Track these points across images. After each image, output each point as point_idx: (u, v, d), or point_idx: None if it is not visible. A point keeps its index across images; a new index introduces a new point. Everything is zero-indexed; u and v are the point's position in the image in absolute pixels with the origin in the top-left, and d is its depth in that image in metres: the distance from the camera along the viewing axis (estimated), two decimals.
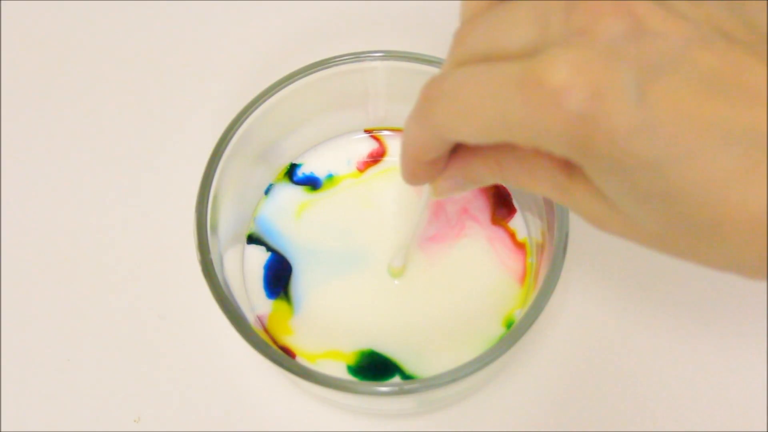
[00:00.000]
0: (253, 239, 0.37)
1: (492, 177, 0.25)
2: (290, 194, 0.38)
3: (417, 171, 0.26)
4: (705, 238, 0.20)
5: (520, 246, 0.36)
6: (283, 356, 0.29)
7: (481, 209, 0.37)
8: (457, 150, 0.26)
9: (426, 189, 0.29)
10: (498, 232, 0.36)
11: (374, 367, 0.34)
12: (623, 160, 0.19)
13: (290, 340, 0.34)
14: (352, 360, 0.34)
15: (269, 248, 0.36)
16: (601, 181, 0.21)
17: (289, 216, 0.37)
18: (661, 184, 0.19)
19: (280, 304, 0.35)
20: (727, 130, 0.19)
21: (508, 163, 0.24)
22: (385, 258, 0.36)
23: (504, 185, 0.25)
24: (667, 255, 0.22)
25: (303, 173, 0.38)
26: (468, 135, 0.22)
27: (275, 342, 0.34)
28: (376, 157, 0.39)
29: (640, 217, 0.21)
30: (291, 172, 0.38)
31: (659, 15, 0.20)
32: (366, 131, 0.39)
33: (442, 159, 0.26)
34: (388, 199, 0.37)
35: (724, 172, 0.19)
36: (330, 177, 0.38)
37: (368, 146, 0.39)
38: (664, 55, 0.20)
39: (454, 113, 0.22)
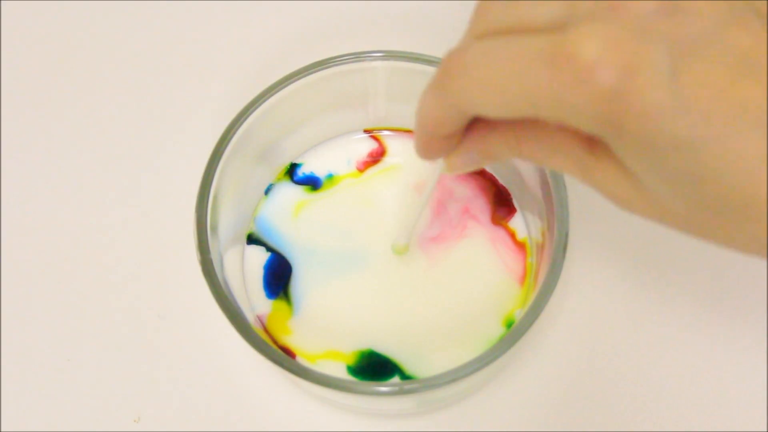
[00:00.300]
0: (253, 239, 0.37)
1: (509, 153, 0.25)
2: (290, 194, 0.38)
3: (431, 145, 0.25)
4: (733, 219, 0.20)
5: (521, 246, 0.36)
6: (283, 356, 0.29)
7: (482, 209, 0.37)
8: (474, 124, 0.25)
9: (437, 164, 0.28)
10: (498, 232, 0.36)
11: (373, 367, 0.34)
12: (654, 139, 0.19)
13: (289, 340, 0.34)
14: (351, 360, 0.34)
15: (269, 248, 0.36)
16: (630, 160, 0.21)
17: (288, 216, 0.37)
18: (691, 163, 0.19)
19: (279, 304, 0.35)
20: (759, 112, 0.19)
21: (527, 138, 0.24)
22: (385, 258, 0.36)
23: (522, 160, 0.24)
24: (692, 236, 0.22)
25: (303, 173, 0.38)
26: (490, 109, 0.22)
27: (275, 342, 0.34)
28: (375, 157, 0.39)
29: (667, 196, 0.21)
30: (291, 171, 0.38)
31: None
32: (365, 131, 0.39)
33: (457, 133, 0.25)
34: (388, 198, 0.37)
35: (756, 153, 0.19)
36: (330, 177, 0.38)
37: (368, 146, 0.39)
38: (698, 34, 0.19)
39: (476, 87, 0.21)
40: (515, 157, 0.25)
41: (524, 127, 0.24)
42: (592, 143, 0.22)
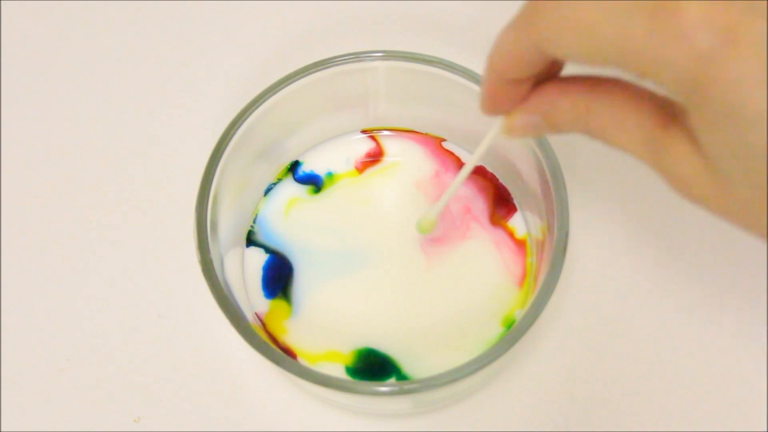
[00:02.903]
0: (252, 239, 0.37)
1: (575, 124, 0.24)
2: (290, 195, 0.38)
3: (497, 91, 0.24)
4: None
5: (521, 246, 0.36)
6: (283, 356, 0.29)
7: (482, 209, 0.37)
8: (543, 86, 0.24)
9: (494, 127, 0.26)
10: (498, 233, 0.36)
11: (372, 368, 0.33)
12: (740, 111, 0.19)
13: (286, 340, 0.34)
14: (349, 360, 0.34)
15: (269, 248, 0.36)
16: (708, 133, 0.20)
17: (288, 216, 0.37)
18: None
19: (277, 304, 0.35)
20: None
21: (598, 110, 0.23)
22: (384, 258, 0.36)
23: (587, 135, 0.24)
24: (749, 231, 0.22)
25: (303, 171, 0.38)
26: (576, 53, 0.21)
27: (275, 342, 0.34)
28: (373, 158, 0.39)
29: (737, 176, 0.20)
30: (293, 169, 0.38)
31: None
32: (363, 131, 0.39)
33: (525, 84, 0.24)
34: (387, 198, 0.37)
35: None
36: (330, 175, 0.38)
37: (367, 146, 0.39)
38: None
39: (566, 25, 0.21)
40: (581, 130, 0.24)
41: (597, 95, 0.23)
42: (666, 118, 0.22)
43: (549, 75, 0.25)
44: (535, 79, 0.24)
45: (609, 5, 0.20)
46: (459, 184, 0.31)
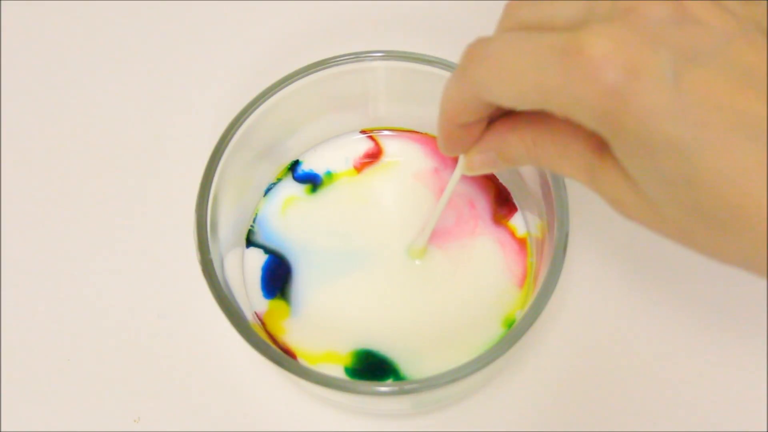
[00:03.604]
0: (252, 239, 0.37)
1: (526, 156, 0.25)
2: (288, 194, 0.38)
3: (452, 135, 0.26)
4: (722, 229, 0.20)
5: (522, 247, 0.36)
6: (283, 356, 0.29)
7: (484, 209, 0.37)
8: (494, 124, 0.26)
9: (458, 165, 0.29)
10: (499, 233, 0.36)
11: (370, 369, 0.33)
12: (650, 140, 0.20)
13: (285, 341, 0.34)
14: (347, 361, 0.34)
15: (268, 248, 0.36)
16: (627, 160, 0.21)
17: (287, 216, 0.37)
18: (684, 168, 0.20)
19: (276, 304, 0.35)
20: (756, 125, 0.19)
21: (543, 141, 0.25)
22: (384, 257, 0.36)
23: (536, 165, 0.26)
24: (685, 246, 0.22)
25: (303, 170, 0.38)
26: (505, 97, 0.22)
27: (275, 342, 0.34)
28: (373, 157, 0.39)
29: (662, 202, 0.21)
30: (293, 168, 0.38)
31: (706, 6, 0.21)
32: (362, 132, 0.39)
33: (477, 126, 0.26)
34: (386, 198, 0.37)
35: (747, 164, 0.19)
36: (329, 173, 0.38)
37: (366, 146, 0.39)
38: (705, 44, 0.20)
39: (494, 73, 0.22)
40: (532, 162, 0.26)
41: (541, 129, 0.25)
42: (600, 148, 0.23)
43: (501, 113, 0.26)
44: (488, 120, 0.26)
45: (527, 52, 0.21)
46: (440, 211, 0.33)
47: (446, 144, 0.27)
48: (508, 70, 0.22)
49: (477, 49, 0.23)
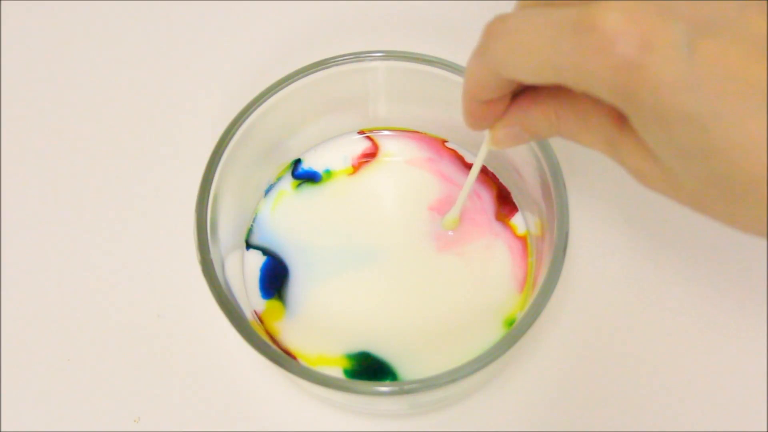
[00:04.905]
0: (252, 239, 0.37)
1: (549, 129, 0.26)
2: (290, 195, 0.38)
3: (475, 111, 0.27)
4: (739, 198, 0.21)
5: (524, 246, 0.36)
6: (283, 356, 0.29)
7: (486, 208, 0.37)
8: (517, 99, 0.26)
9: (485, 140, 0.29)
10: (500, 233, 0.36)
11: (367, 372, 0.33)
12: (666, 112, 0.20)
13: (281, 342, 0.34)
14: (344, 364, 0.33)
15: (268, 248, 0.36)
16: (645, 132, 0.21)
17: (281, 213, 0.37)
18: (700, 139, 0.20)
19: (272, 304, 0.35)
20: None
21: (565, 114, 0.25)
22: (383, 257, 0.36)
23: (561, 137, 0.26)
24: (701, 213, 0.23)
25: (302, 168, 0.38)
26: (522, 72, 0.23)
27: (275, 342, 0.34)
28: (370, 157, 0.39)
29: (680, 172, 0.22)
30: (294, 167, 0.38)
31: None
32: (360, 132, 0.39)
33: (500, 102, 0.26)
34: (383, 195, 0.37)
35: (762, 134, 0.19)
36: (327, 172, 0.38)
37: (365, 146, 0.39)
38: (719, 16, 0.20)
39: (511, 50, 0.23)
40: (555, 134, 0.26)
41: (563, 102, 0.25)
42: (620, 119, 0.23)
43: (524, 88, 0.26)
44: (511, 95, 0.26)
45: (542, 27, 0.22)
46: (472, 182, 0.33)
47: (471, 120, 0.27)
48: (525, 47, 0.22)
49: (495, 27, 0.23)
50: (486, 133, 0.29)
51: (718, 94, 0.19)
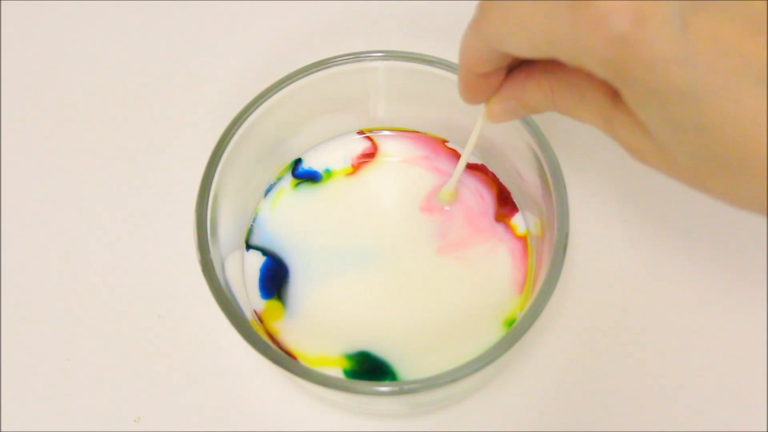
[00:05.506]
0: (252, 239, 0.37)
1: (545, 103, 0.26)
2: (289, 195, 0.38)
3: (471, 84, 0.27)
4: (732, 173, 0.21)
5: (524, 246, 0.36)
6: (283, 356, 0.29)
7: (486, 209, 0.37)
8: (513, 73, 0.27)
9: (481, 114, 0.29)
10: (501, 233, 0.36)
11: (366, 372, 0.33)
12: (659, 88, 0.20)
13: (281, 342, 0.34)
14: (343, 364, 0.33)
15: (268, 248, 0.36)
16: (638, 108, 0.22)
17: (287, 216, 0.37)
18: (694, 114, 0.20)
19: (272, 304, 0.35)
20: (763, 69, 0.19)
21: (560, 89, 0.25)
22: (383, 257, 0.36)
23: (556, 111, 0.26)
24: (696, 189, 0.23)
25: (302, 168, 0.38)
26: (517, 46, 0.23)
27: (275, 342, 0.34)
28: (369, 157, 0.39)
29: (673, 147, 0.22)
30: (294, 167, 0.38)
31: None
32: (359, 132, 0.39)
33: (495, 76, 0.26)
34: (384, 197, 0.37)
35: (756, 108, 0.19)
36: (327, 171, 0.38)
37: (365, 146, 0.39)
38: None
39: (505, 24, 0.23)
40: (551, 108, 0.26)
41: (558, 77, 0.25)
42: (614, 94, 0.23)
43: (519, 62, 0.26)
44: (506, 69, 0.26)
45: (537, 2, 0.21)
46: (467, 156, 0.33)
47: (467, 93, 0.27)
48: (519, 21, 0.22)
49: (490, 1, 0.23)
50: (482, 107, 0.29)
51: (712, 68, 0.19)
